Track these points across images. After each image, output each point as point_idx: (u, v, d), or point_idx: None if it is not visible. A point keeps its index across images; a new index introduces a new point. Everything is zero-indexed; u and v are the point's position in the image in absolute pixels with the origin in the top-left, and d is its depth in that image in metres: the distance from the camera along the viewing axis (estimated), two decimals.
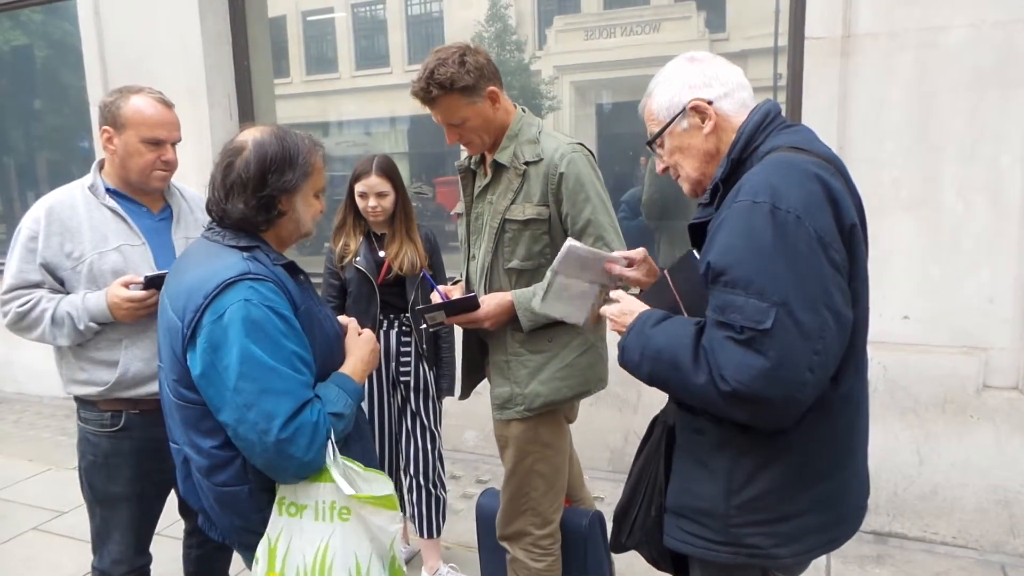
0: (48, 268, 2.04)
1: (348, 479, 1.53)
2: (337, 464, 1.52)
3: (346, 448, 1.60)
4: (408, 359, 2.85)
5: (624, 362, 1.45)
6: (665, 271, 1.48)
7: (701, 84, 1.46)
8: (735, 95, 1.47)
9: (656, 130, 1.51)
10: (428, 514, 2.91)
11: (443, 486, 2.95)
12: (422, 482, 2.90)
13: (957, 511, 3.07)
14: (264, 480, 1.54)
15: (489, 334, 2.19)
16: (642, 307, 1.48)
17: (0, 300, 2.07)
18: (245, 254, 1.54)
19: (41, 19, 5.54)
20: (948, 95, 2.89)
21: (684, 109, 1.46)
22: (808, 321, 1.21)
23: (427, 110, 2.10)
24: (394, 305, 2.81)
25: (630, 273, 1.79)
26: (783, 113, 1.49)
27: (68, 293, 2.05)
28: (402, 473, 2.95)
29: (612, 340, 2.29)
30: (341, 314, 2.81)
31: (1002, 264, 2.92)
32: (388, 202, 2.76)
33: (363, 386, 1.69)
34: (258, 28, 4.67)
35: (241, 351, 1.43)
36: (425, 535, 2.92)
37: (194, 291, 1.49)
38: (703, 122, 1.46)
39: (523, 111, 2.17)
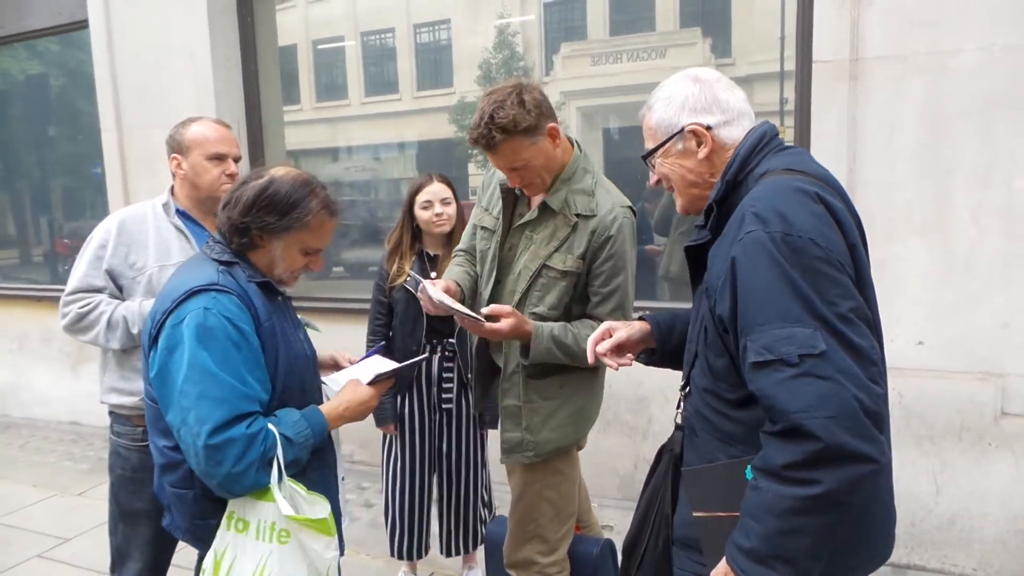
0: (112, 275, 2.18)
1: (292, 502, 1.55)
2: (283, 486, 1.54)
3: (302, 475, 1.63)
4: (450, 386, 2.84)
5: None
6: (695, 515, 1.40)
7: (701, 109, 1.44)
8: (736, 123, 1.44)
9: (651, 147, 1.50)
10: (458, 538, 2.94)
11: (478, 515, 2.95)
12: (457, 508, 2.91)
13: (976, 542, 2.99)
14: (208, 488, 1.57)
15: (503, 379, 2.18)
16: (722, 567, 1.30)
17: (63, 301, 2.19)
18: (221, 267, 1.62)
19: (58, 49, 5.63)
20: (960, 118, 2.88)
21: (681, 131, 1.44)
22: (851, 334, 1.17)
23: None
24: (439, 330, 2.79)
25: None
26: (788, 137, 1.48)
27: (125, 300, 2.18)
28: (434, 502, 2.96)
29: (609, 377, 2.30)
30: (388, 333, 2.85)
31: (1017, 288, 2.88)
32: (453, 210, 2.79)
33: (328, 431, 1.70)
34: (268, 55, 4.73)
35: (190, 355, 1.49)
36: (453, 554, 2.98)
37: (165, 296, 1.60)
38: (698, 147, 1.44)
39: (580, 151, 2.13)
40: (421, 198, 2.77)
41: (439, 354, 2.83)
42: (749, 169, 1.39)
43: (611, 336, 1.65)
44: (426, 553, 3.00)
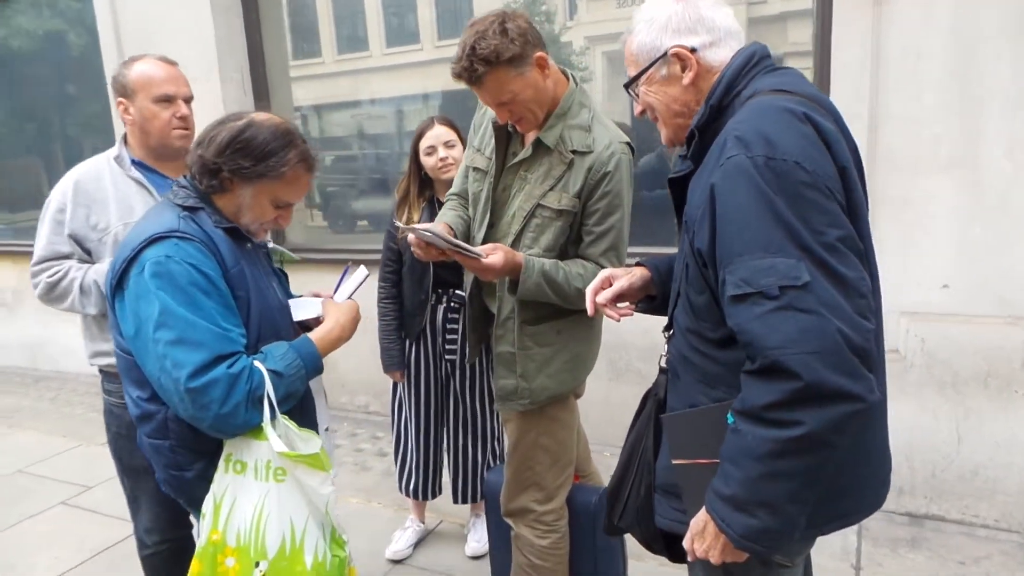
0: (76, 239, 2.09)
1: (287, 439, 1.54)
2: (277, 424, 1.52)
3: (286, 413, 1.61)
4: (454, 336, 2.80)
5: (769, 544, 1.16)
6: (674, 462, 1.33)
7: (685, 29, 1.34)
8: (723, 43, 1.34)
9: (633, 74, 1.40)
10: (464, 486, 2.95)
11: (477, 463, 2.94)
12: (465, 457, 2.92)
13: (1000, 493, 2.88)
14: (186, 439, 1.58)
15: (497, 326, 2.11)
16: (701, 515, 1.24)
17: (31, 272, 2.12)
18: (183, 213, 1.58)
19: (79, 7, 5.60)
20: (992, 43, 2.66)
21: (665, 55, 1.34)
22: (838, 265, 1.08)
23: (457, 84, 1.94)
24: (447, 281, 2.75)
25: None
26: (811, 76, 1.36)
27: (95, 263, 2.09)
28: (443, 450, 2.98)
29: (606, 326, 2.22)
30: (397, 280, 2.84)
31: None
32: (458, 152, 2.69)
33: (322, 357, 1.67)
34: (272, 4, 4.63)
35: (159, 303, 1.47)
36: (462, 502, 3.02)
37: (125, 245, 1.56)
38: (683, 71, 1.34)
39: (575, 84, 2.01)
40: (424, 144, 2.69)
41: (444, 304, 2.78)
42: (736, 92, 1.29)
43: (611, 285, 1.57)
44: (436, 495, 3.01)
